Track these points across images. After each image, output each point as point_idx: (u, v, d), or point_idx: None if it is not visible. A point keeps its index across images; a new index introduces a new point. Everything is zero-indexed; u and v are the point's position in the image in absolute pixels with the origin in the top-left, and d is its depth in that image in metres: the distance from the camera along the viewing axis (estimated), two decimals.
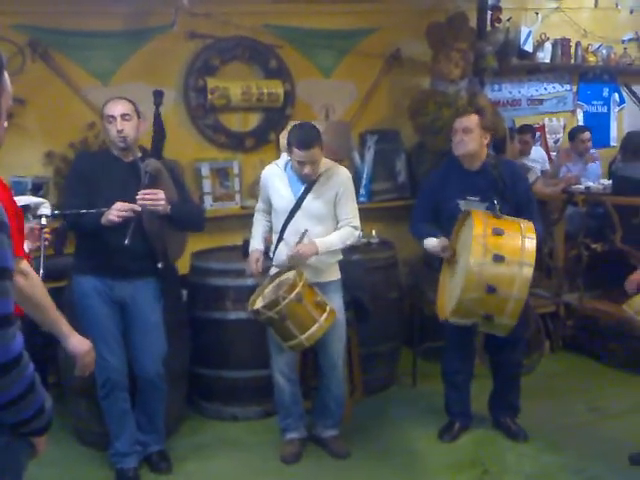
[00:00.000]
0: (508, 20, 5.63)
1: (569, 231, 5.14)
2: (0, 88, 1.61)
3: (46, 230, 2.68)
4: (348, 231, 3.45)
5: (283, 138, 4.90)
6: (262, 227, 3.64)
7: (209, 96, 4.81)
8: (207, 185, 4.90)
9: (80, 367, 2.23)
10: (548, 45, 5.91)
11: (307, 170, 3.34)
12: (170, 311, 3.51)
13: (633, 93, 6.65)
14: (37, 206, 2.69)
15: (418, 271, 5.02)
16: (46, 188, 4.38)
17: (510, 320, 3.21)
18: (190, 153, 4.84)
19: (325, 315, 3.23)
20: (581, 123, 6.39)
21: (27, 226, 2.59)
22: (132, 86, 4.31)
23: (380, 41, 5.29)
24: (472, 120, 3.60)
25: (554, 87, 6.27)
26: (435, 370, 4.07)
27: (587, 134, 5.99)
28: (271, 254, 3.56)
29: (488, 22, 5.44)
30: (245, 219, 4.09)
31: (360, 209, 3.58)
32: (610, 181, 5.40)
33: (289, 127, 3.98)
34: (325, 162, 3.46)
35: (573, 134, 6.06)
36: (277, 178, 3.49)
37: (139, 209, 3.10)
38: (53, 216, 2.96)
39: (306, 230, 3.33)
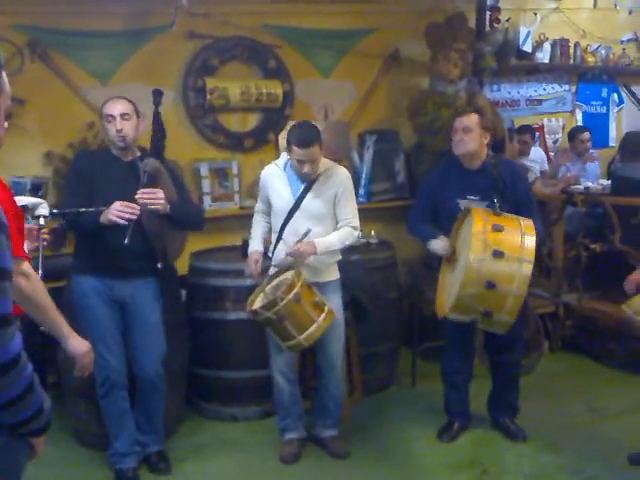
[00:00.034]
0: (507, 20, 5.63)
1: (568, 231, 5.15)
2: None
3: (44, 231, 2.68)
4: (347, 231, 3.46)
5: (282, 138, 4.91)
6: (261, 228, 3.64)
7: (208, 96, 4.81)
8: (206, 185, 4.90)
9: (79, 368, 2.24)
10: (547, 45, 5.92)
11: (306, 169, 3.34)
12: (169, 311, 3.51)
13: (632, 93, 6.65)
14: (35, 206, 2.68)
15: (417, 271, 5.02)
16: (45, 188, 4.38)
17: (509, 317, 3.21)
18: (189, 153, 4.84)
19: (323, 315, 3.23)
20: (580, 123, 6.40)
21: (25, 227, 2.59)
22: (131, 86, 4.30)
23: (379, 41, 5.29)
24: (472, 119, 3.60)
25: (553, 87, 6.28)
26: (434, 370, 4.07)
27: (587, 134, 5.99)
28: (270, 254, 3.56)
29: (487, 22, 5.44)
30: (244, 219, 4.09)
31: (359, 209, 3.58)
32: (609, 181, 5.41)
33: (288, 127, 3.98)
34: (324, 162, 3.47)
35: (573, 134, 6.07)
36: (276, 178, 3.50)
37: (138, 207, 3.09)
38: (52, 215, 2.96)
39: (309, 230, 3.33)
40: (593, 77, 6.43)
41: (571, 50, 6.06)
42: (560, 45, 5.98)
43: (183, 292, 4.10)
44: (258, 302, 3.30)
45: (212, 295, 4.03)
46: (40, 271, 2.50)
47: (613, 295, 4.33)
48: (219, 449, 3.78)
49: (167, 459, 3.53)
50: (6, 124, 2.15)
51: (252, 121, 5.09)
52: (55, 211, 3.17)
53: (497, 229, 3.22)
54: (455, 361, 3.78)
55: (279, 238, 3.48)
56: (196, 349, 3.99)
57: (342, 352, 3.65)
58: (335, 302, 3.46)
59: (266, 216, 3.62)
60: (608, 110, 6.58)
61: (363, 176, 5.24)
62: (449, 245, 3.53)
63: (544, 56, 5.92)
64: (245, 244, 3.77)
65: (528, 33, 5.78)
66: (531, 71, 6.08)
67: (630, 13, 6.19)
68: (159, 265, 3.32)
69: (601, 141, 6.41)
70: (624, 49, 6.33)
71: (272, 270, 3.51)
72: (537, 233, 3.29)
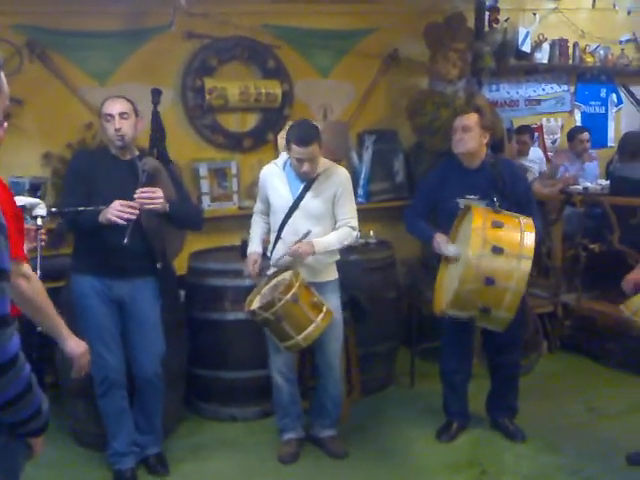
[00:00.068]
0: (506, 21, 5.63)
1: (567, 231, 5.15)
2: None
3: (42, 231, 2.68)
4: (346, 231, 3.46)
5: (281, 138, 4.92)
6: (260, 229, 3.64)
7: (207, 96, 4.81)
8: (205, 185, 4.90)
9: (76, 369, 2.25)
10: (546, 46, 5.91)
11: (306, 167, 3.34)
12: (168, 311, 3.51)
13: (631, 94, 6.66)
14: (32, 207, 2.68)
15: (416, 271, 5.02)
16: (44, 189, 4.38)
17: (507, 313, 3.21)
18: (188, 153, 4.84)
19: (322, 315, 3.23)
20: (579, 124, 6.40)
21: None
22: (130, 86, 4.30)
23: (378, 41, 5.29)
24: (472, 119, 3.61)
25: (552, 88, 6.28)
26: (433, 370, 4.07)
27: (586, 134, 6.00)
28: (269, 253, 3.56)
29: (486, 22, 5.44)
30: (243, 219, 4.09)
31: (358, 209, 3.59)
32: (608, 181, 5.42)
33: (287, 127, 3.98)
34: (324, 162, 3.47)
35: (572, 134, 6.07)
36: (276, 177, 3.50)
37: (137, 206, 3.08)
38: (51, 214, 2.96)
39: (309, 231, 3.33)
40: (592, 77, 6.43)
41: (570, 50, 6.06)
42: (559, 45, 5.98)
43: (182, 292, 4.10)
44: (256, 302, 3.30)
45: (211, 295, 4.03)
46: (38, 271, 2.50)
47: (612, 295, 4.33)
48: (218, 449, 3.78)
49: (165, 462, 3.52)
50: (5, 124, 2.15)
51: (251, 121, 5.09)
52: (54, 210, 3.17)
53: (497, 225, 3.22)
54: (453, 361, 3.78)
55: (278, 237, 3.48)
56: (195, 349, 3.99)
57: (340, 352, 3.65)
58: (333, 302, 3.46)
59: (265, 216, 3.62)
60: (607, 110, 6.58)
61: (362, 176, 5.24)
62: (456, 246, 3.52)
63: (543, 56, 5.92)
64: (244, 244, 3.77)
65: (527, 33, 5.78)
66: (530, 71, 6.08)
67: (629, 13, 6.19)
68: (158, 265, 3.32)
69: (600, 141, 6.41)
70: (623, 49, 6.33)
71: (270, 270, 3.51)
72: (537, 231, 3.30)
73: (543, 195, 5.20)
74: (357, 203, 3.69)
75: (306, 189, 3.43)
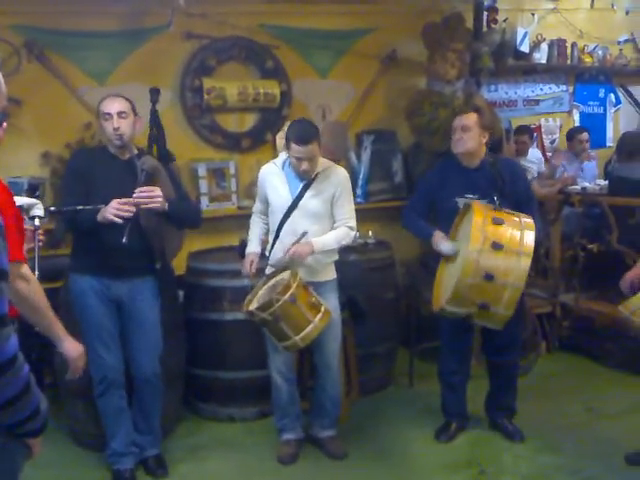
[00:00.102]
0: (504, 21, 5.63)
1: (565, 232, 5.16)
2: None
3: (40, 232, 2.67)
4: (344, 231, 3.46)
5: (280, 138, 4.92)
6: (259, 229, 3.64)
7: (205, 96, 4.80)
8: (203, 185, 4.90)
9: (72, 370, 2.25)
10: (544, 46, 5.92)
11: (305, 166, 3.34)
12: (167, 311, 3.51)
13: (629, 94, 6.66)
14: (30, 207, 2.67)
15: (415, 271, 5.02)
16: (42, 189, 4.36)
17: (506, 310, 3.20)
18: (186, 153, 4.84)
19: (320, 315, 3.22)
20: (577, 124, 6.40)
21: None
22: (129, 86, 4.29)
23: (376, 41, 5.30)
24: (471, 118, 3.61)
25: (550, 88, 6.28)
26: (432, 371, 4.07)
27: (585, 135, 6.01)
28: (267, 253, 3.56)
29: (484, 23, 5.45)
30: (242, 219, 4.08)
31: (357, 209, 3.59)
32: (606, 182, 5.42)
33: (286, 127, 3.98)
34: (323, 161, 3.47)
35: (571, 135, 6.08)
36: (275, 176, 3.50)
37: (135, 205, 3.07)
38: (50, 213, 2.95)
39: (305, 232, 3.33)
40: (590, 77, 6.43)
41: (568, 50, 6.06)
42: (557, 45, 5.98)
43: (181, 293, 4.09)
44: (254, 303, 3.30)
45: (210, 295, 4.03)
46: (36, 272, 2.49)
47: (610, 295, 4.34)
48: (216, 449, 3.78)
49: (164, 464, 3.52)
50: (5, 124, 2.15)
51: (249, 121, 5.09)
52: (52, 208, 3.17)
53: (497, 222, 3.23)
54: (452, 362, 3.78)
55: (276, 237, 3.48)
56: (193, 349, 3.99)
57: (339, 352, 3.65)
58: (332, 302, 3.46)
59: (264, 216, 3.62)
60: (605, 110, 6.58)
61: (360, 176, 5.24)
62: (453, 243, 3.52)
63: (541, 56, 5.93)
64: (243, 244, 3.76)
65: (525, 33, 5.78)
66: (528, 71, 6.08)
67: (627, 13, 6.20)
68: (157, 266, 3.32)
69: (598, 141, 6.41)
70: (621, 50, 6.34)
71: (269, 270, 3.51)
72: (537, 229, 3.30)
73: (541, 195, 5.20)
74: (356, 203, 3.70)
75: (305, 188, 3.43)
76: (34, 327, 2.21)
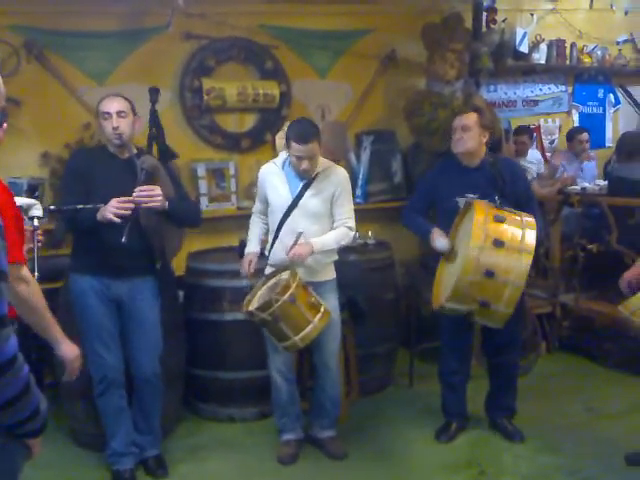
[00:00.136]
0: (503, 21, 5.64)
1: (565, 232, 5.16)
2: None
3: (39, 232, 2.67)
4: (343, 232, 3.46)
5: (279, 139, 4.92)
6: (259, 229, 3.64)
7: (205, 97, 4.80)
8: (203, 186, 4.90)
9: (69, 372, 2.25)
10: (543, 46, 5.92)
11: (305, 165, 3.34)
12: (166, 312, 3.51)
13: (628, 94, 6.66)
14: (29, 207, 2.67)
15: (414, 272, 5.02)
16: (42, 189, 4.37)
17: (506, 308, 3.19)
18: (186, 154, 4.82)
19: (319, 316, 3.22)
20: (576, 124, 6.40)
21: None
22: (128, 87, 4.28)
23: (375, 42, 5.30)
24: (471, 118, 3.62)
25: (549, 88, 6.28)
26: (432, 371, 4.07)
27: (585, 135, 6.01)
28: (267, 252, 3.56)
29: (483, 23, 5.45)
30: (241, 220, 4.09)
31: (356, 210, 3.59)
32: (606, 182, 5.42)
33: (285, 128, 3.98)
34: (323, 161, 3.47)
35: (571, 135, 6.08)
36: (275, 176, 3.50)
37: (134, 204, 3.07)
38: (49, 212, 2.95)
39: (301, 232, 3.33)
40: (589, 78, 6.43)
41: (567, 51, 6.06)
42: (556, 46, 5.98)
43: (180, 293, 4.09)
44: (254, 303, 3.30)
45: (209, 296, 4.02)
46: (36, 273, 2.49)
47: (610, 295, 4.34)
48: (216, 450, 3.78)
49: (164, 464, 3.51)
50: (5, 125, 2.15)
51: (249, 122, 5.09)
52: (52, 207, 3.16)
53: (499, 220, 3.23)
54: (452, 362, 3.78)
55: (276, 237, 3.48)
56: (193, 350, 3.99)
57: (338, 352, 3.65)
58: (331, 302, 3.46)
59: (264, 217, 3.62)
60: (604, 111, 6.59)
61: (360, 177, 5.24)
62: (448, 240, 3.53)
63: (540, 57, 5.93)
64: (242, 245, 3.76)
65: (524, 34, 5.79)
66: (527, 72, 6.09)
67: (626, 14, 6.20)
68: (158, 266, 3.32)
69: (597, 142, 6.42)
70: (620, 50, 6.34)
71: (268, 269, 3.51)
72: (538, 229, 3.30)
73: (541, 195, 5.20)
74: (355, 204, 3.70)
75: (305, 187, 3.43)
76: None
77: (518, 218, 3.30)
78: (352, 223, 3.50)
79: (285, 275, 3.28)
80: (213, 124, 4.96)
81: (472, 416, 3.92)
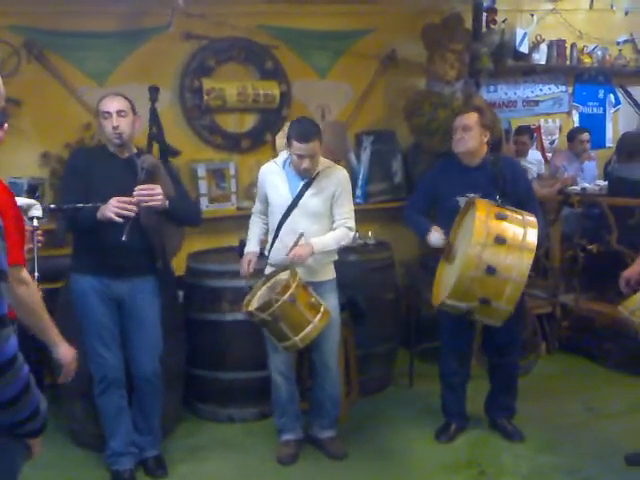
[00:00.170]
0: (503, 21, 5.64)
1: (565, 232, 5.16)
2: None
3: (39, 232, 2.67)
4: (343, 232, 3.46)
5: (279, 139, 4.92)
6: (259, 229, 3.64)
7: (205, 97, 4.80)
8: (203, 186, 4.90)
9: (65, 374, 2.25)
10: (543, 46, 5.92)
11: (306, 164, 3.34)
12: (166, 312, 3.50)
13: (628, 94, 6.66)
14: (28, 208, 2.67)
15: (415, 272, 5.02)
16: (42, 189, 4.37)
17: (507, 305, 3.19)
18: (186, 154, 4.82)
19: (319, 316, 3.22)
20: (577, 124, 6.41)
21: None
22: (128, 87, 4.28)
23: (375, 42, 5.30)
24: (472, 118, 3.62)
25: (550, 88, 6.29)
26: (432, 371, 4.07)
27: (586, 135, 6.02)
28: (266, 252, 3.56)
29: (483, 23, 5.45)
30: (241, 220, 4.09)
31: (356, 210, 3.59)
32: (606, 182, 5.42)
33: (285, 128, 3.98)
34: (323, 161, 3.48)
35: (572, 135, 6.09)
36: (275, 175, 3.50)
37: (135, 203, 3.06)
38: (50, 211, 2.95)
39: (302, 233, 3.33)
40: (589, 78, 6.43)
41: (567, 51, 6.07)
42: (557, 46, 5.99)
43: (180, 293, 4.09)
44: (254, 303, 3.30)
45: (209, 296, 4.03)
46: (36, 273, 2.49)
47: (610, 295, 4.34)
48: (216, 450, 3.78)
49: (164, 465, 3.51)
50: (6, 125, 2.15)
51: (249, 122, 5.09)
52: (52, 206, 3.16)
53: (500, 217, 3.23)
54: (453, 362, 3.78)
55: (276, 236, 3.48)
56: (193, 350, 3.99)
57: (337, 351, 3.65)
58: (331, 302, 3.46)
59: (264, 216, 3.62)
60: (605, 111, 6.59)
61: (360, 177, 5.24)
62: (444, 236, 3.53)
63: (541, 57, 5.93)
64: (242, 245, 3.76)
65: (525, 34, 5.79)
66: (528, 72, 6.09)
67: (626, 14, 6.19)
68: (158, 265, 3.32)
69: (598, 142, 6.42)
70: (620, 50, 6.34)
71: (268, 269, 3.51)
72: (539, 228, 3.30)
73: (541, 196, 5.20)
74: (355, 204, 3.70)
75: (306, 187, 3.43)
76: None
77: (520, 217, 3.30)
78: (352, 223, 3.50)
79: (285, 275, 3.28)
80: (213, 124, 4.96)
81: (472, 416, 3.92)
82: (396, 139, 5.44)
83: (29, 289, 2.09)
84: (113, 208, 3.03)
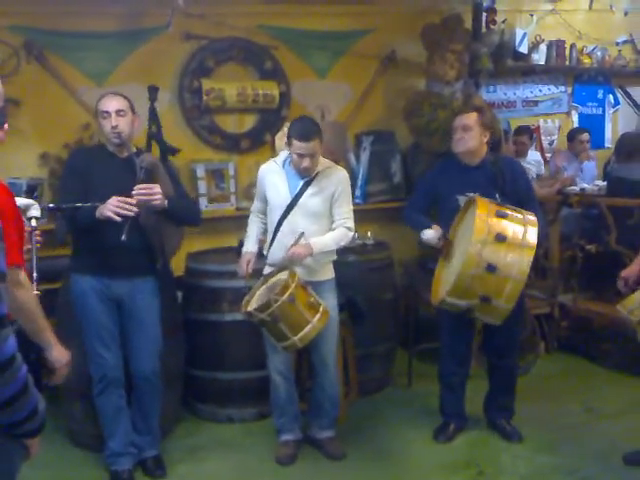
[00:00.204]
0: (503, 22, 5.64)
1: (564, 232, 5.16)
2: None
3: (37, 232, 2.67)
4: (342, 232, 3.46)
5: (279, 139, 4.92)
6: (257, 228, 3.64)
7: (204, 97, 4.81)
8: (202, 186, 4.90)
9: (57, 376, 2.24)
10: (543, 47, 5.92)
11: (306, 163, 3.34)
12: (165, 312, 3.51)
13: (628, 95, 6.66)
14: (27, 208, 2.67)
15: (413, 272, 5.02)
16: (41, 189, 4.38)
17: (507, 303, 3.19)
18: (185, 154, 4.82)
19: (318, 316, 3.22)
20: (576, 125, 6.41)
21: None
22: (127, 87, 4.28)
23: (375, 42, 5.30)
24: (472, 118, 3.62)
25: (549, 89, 6.29)
26: (430, 371, 4.08)
27: (586, 135, 6.02)
28: (265, 252, 3.56)
29: (483, 24, 5.45)
30: (240, 220, 4.08)
31: (355, 210, 3.59)
32: (605, 182, 5.42)
33: (285, 128, 3.98)
34: (323, 161, 3.48)
35: (572, 135, 6.09)
36: (275, 174, 3.50)
37: (134, 203, 3.06)
38: (49, 210, 2.94)
39: (302, 233, 3.33)
40: (589, 78, 6.43)
41: (567, 51, 6.07)
42: (556, 46, 5.99)
43: (179, 293, 4.09)
44: (253, 303, 3.30)
45: (208, 296, 4.03)
46: (34, 273, 2.49)
47: (608, 296, 4.34)
48: (215, 450, 3.78)
49: (163, 465, 3.52)
50: (6, 126, 2.15)
51: (248, 122, 5.10)
52: (51, 205, 3.15)
53: (501, 215, 3.23)
54: (452, 363, 3.78)
55: (275, 236, 3.48)
56: (192, 350, 3.99)
57: (336, 350, 3.65)
58: (330, 301, 3.46)
59: (262, 216, 3.62)
60: (604, 111, 6.58)
61: (359, 177, 5.24)
62: (442, 234, 3.53)
63: (540, 57, 5.93)
64: (242, 245, 3.77)
65: (524, 34, 5.79)
66: (527, 72, 6.09)
67: (625, 14, 6.19)
68: (158, 266, 3.32)
69: (597, 142, 6.41)
70: (620, 51, 6.34)
71: (267, 269, 3.51)
72: (540, 227, 3.30)
73: (540, 196, 5.20)
74: (355, 204, 3.70)
75: (305, 186, 3.43)
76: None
77: (520, 215, 3.30)
78: (351, 223, 3.50)
79: (284, 275, 3.28)
80: (212, 125, 4.96)
81: (471, 416, 3.92)
82: (395, 139, 5.44)
83: (26, 292, 2.08)
84: (112, 207, 3.03)
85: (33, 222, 2.64)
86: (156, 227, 3.26)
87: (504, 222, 3.22)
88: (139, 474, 3.47)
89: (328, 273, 3.54)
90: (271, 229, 3.52)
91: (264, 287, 3.37)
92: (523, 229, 3.22)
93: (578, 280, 5.00)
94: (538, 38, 5.89)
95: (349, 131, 5.35)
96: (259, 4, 4.85)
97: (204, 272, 4.08)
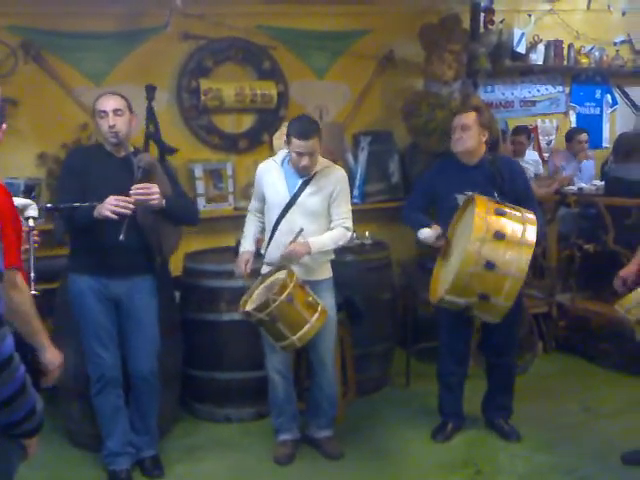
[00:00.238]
0: (501, 22, 5.65)
1: (562, 232, 5.17)
2: None
3: (35, 232, 2.67)
4: (340, 232, 3.46)
5: (277, 139, 4.91)
6: (255, 227, 3.64)
7: (202, 97, 4.81)
8: (200, 186, 4.90)
9: (50, 378, 2.24)
10: (541, 47, 5.93)
11: (305, 162, 3.34)
12: (163, 312, 3.51)
13: (625, 95, 6.67)
14: (24, 208, 2.67)
15: (412, 272, 5.03)
16: (38, 189, 4.38)
17: (506, 301, 3.19)
18: (183, 154, 4.81)
19: (317, 315, 3.22)
20: (574, 125, 6.41)
21: None
22: (125, 87, 4.28)
23: (373, 42, 5.30)
24: (470, 117, 3.63)
25: (547, 89, 6.29)
26: (428, 371, 4.08)
27: (584, 135, 6.02)
28: (262, 251, 3.56)
29: (481, 24, 5.45)
30: (239, 220, 4.08)
31: (354, 210, 3.59)
32: (602, 182, 5.43)
33: (283, 128, 3.99)
34: (322, 161, 3.48)
35: (571, 135, 6.09)
36: (273, 173, 3.49)
37: (132, 202, 3.06)
38: (47, 210, 2.94)
39: (302, 229, 3.33)
40: (587, 78, 6.44)
41: (565, 51, 6.07)
42: (554, 46, 5.99)
43: (177, 293, 4.09)
44: (251, 303, 3.30)
45: (206, 296, 4.03)
46: (32, 274, 2.49)
47: (606, 295, 4.34)
48: (213, 450, 3.78)
49: (161, 465, 3.51)
50: (4, 126, 2.15)
51: (246, 122, 5.10)
52: (49, 205, 3.15)
53: (499, 213, 3.23)
54: (451, 362, 3.78)
55: (272, 235, 3.48)
56: (190, 350, 3.99)
57: (334, 350, 3.65)
58: (328, 301, 3.46)
59: (260, 215, 3.62)
60: (602, 111, 6.59)
61: (357, 177, 5.24)
62: (440, 234, 3.53)
63: (538, 57, 5.94)
64: (239, 244, 3.77)
65: (522, 34, 5.80)
66: (525, 72, 6.09)
67: (623, 14, 6.20)
68: (158, 260, 3.32)
69: (595, 142, 6.42)
70: (617, 50, 6.34)
71: (264, 268, 3.51)
72: (539, 225, 3.30)
73: (539, 195, 5.19)
74: (353, 204, 3.70)
75: (304, 185, 3.43)
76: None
77: (519, 214, 3.31)
78: (349, 223, 3.50)
79: (282, 274, 3.28)
80: (210, 125, 4.96)
81: (469, 416, 3.92)
82: (393, 139, 5.44)
83: (22, 295, 2.07)
84: (110, 206, 3.03)
85: (31, 222, 2.64)
86: (154, 227, 3.26)
87: (503, 220, 3.22)
88: (137, 474, 3.46)
89: (326, 272, 3.54)
90: (269, 228, 3.52)
91: (262, 286, 3.37)
92: (522, 227, 3.22)
93: (576, 280, 5.00)
94: (536, 38, 5.90)
95: (347, 131, 5.36)
96: (257, 4, 4.85)
97: (202, 272, 4.08)
